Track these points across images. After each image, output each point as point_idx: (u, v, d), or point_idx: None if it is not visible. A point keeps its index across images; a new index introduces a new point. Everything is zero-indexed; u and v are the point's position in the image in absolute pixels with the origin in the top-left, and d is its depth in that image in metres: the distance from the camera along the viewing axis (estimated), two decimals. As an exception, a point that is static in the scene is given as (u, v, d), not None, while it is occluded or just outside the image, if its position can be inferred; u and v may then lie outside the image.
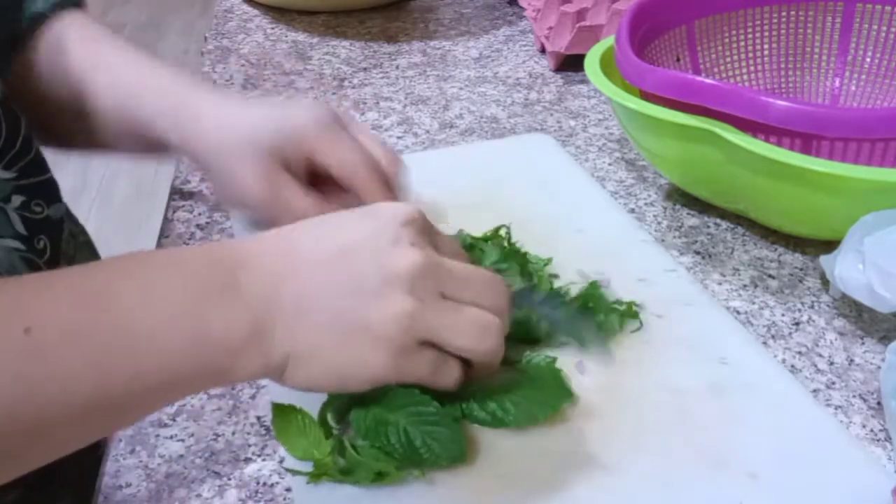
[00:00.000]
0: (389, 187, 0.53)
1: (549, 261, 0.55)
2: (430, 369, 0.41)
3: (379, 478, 0.41)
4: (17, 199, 0.53)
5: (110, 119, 0.56)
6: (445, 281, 0.40)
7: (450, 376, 0.41)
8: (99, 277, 0.38)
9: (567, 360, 0.48)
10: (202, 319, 0.37)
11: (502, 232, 0.56)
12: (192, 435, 0.45)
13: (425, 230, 0.42)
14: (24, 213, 0.53)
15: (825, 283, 0.57)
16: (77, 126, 0.57)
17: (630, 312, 0.51)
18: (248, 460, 0.44)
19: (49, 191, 0.57)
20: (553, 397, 0.44)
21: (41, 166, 0.56)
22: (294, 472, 0.42)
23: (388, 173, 0.53)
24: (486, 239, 0.55)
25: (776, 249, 0.60)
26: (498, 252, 0.53)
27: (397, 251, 0.40)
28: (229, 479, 0.43)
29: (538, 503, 0.41)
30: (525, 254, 0.54)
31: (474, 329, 0.41)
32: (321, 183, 0.53)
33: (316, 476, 0.41)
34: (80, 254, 0.61)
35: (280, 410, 0.43)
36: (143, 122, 0.54)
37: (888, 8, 0.69)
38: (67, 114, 0.57)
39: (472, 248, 0.54)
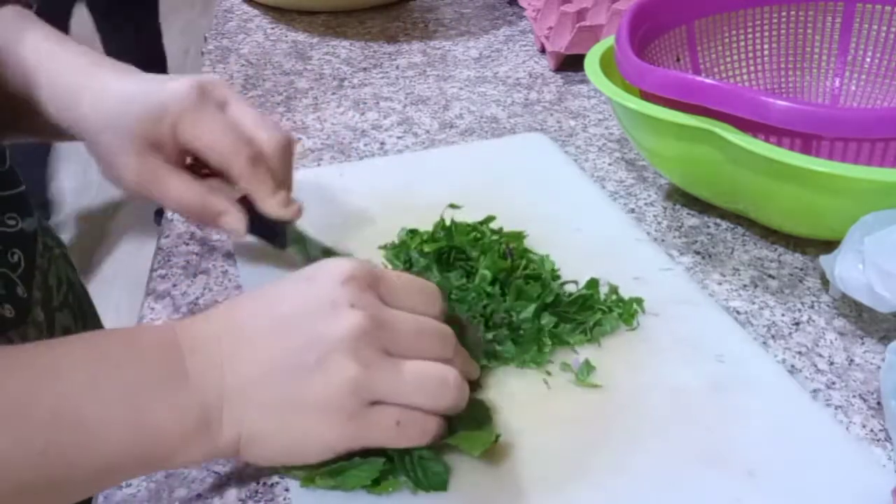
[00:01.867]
0: (272, 171, 0.50)
1: (547, 257, 0.55)
2: (393, 431, 0.39)
3: (373, 485, 0.41)
4: None
5: (20, 104, 0.54)
6: (390, 338, 0.39)
7: (418, 435, 0.40)
8: (46, 358, 0.37)
9: (565, 358, 0.48)
10: (147, 409, 0.36)
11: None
12: (192, 435, 0.45)
13: (367, 284, 0.40)
14: None
15: (825, 283, 0.57)
16: (24, 111, 0.55)
17: (629, 311, 0.51)
18: (247, 460, 0.44)
19: (22, 204, 0.55)
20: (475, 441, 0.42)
21: (13, 180, 0.55)
22: (287, 475, 0.42)
23: (272, 156, 0.50)
24: (487, 241, 0.56)
25: (776, 249, 0.60)
26: (492, 270, 0.52)
27: (335, 316, 0.38)
28: (229, 480, 0.43)
29: (537, 503, 0.41)
30: (527, 250, 0.54)
31: (429, 384, 0.39)
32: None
33: (308, 480, 0.41)
34: (55, 266, 0.60)
35: None
36: (41, 105, 0.52)
37: (888, 8, 0.69)
38: (14, 95, 0.54)
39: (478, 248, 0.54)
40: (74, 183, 2.48)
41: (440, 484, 0.41)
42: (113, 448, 0.36)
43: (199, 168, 0.52)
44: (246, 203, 0.52)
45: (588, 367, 0.47)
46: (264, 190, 0.50)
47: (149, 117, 0.48)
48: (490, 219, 0.57)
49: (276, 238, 0.54)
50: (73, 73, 0.52)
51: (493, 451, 0.43)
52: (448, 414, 0.41)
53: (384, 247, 0.57)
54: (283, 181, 0.51)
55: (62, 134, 0.54)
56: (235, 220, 0.51)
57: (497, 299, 0.50)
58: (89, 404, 0.35)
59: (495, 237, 0.56)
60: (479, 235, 0.56)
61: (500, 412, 0.45)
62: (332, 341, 0.38)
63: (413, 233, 0.57)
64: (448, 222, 0.57)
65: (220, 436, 0.38)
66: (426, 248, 0.54)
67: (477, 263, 0.53)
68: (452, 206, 0.57)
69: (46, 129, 0.55)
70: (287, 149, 0.51)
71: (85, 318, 0.65)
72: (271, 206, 0.51)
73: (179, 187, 0.50)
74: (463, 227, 0.56)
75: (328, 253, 0.54)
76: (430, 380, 0.40)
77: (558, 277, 0.53)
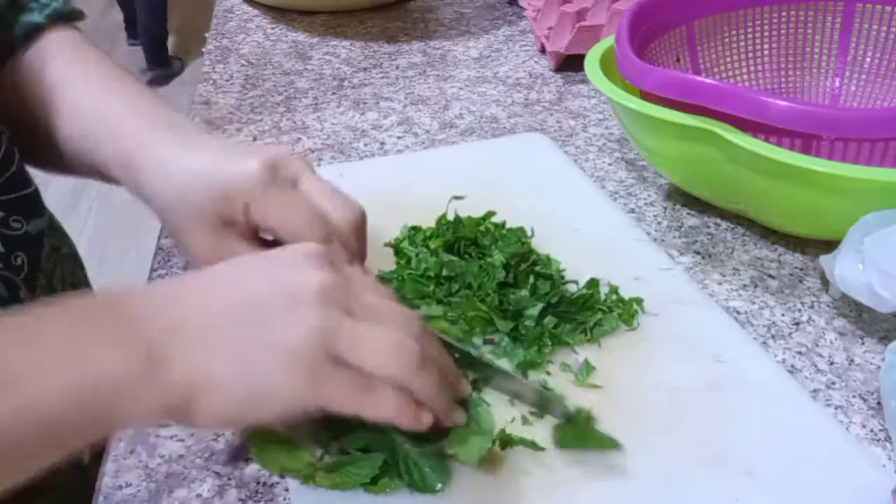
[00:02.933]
0: (345, 247, 0.48)
1: (548, 257, 0.55)
2: (353, 392, 0.38)
3: (371, 484, 0.41)
4: None
5: (74, 150, 0.53)
6: (356, 302, 0.39)
7: (382, 404, 0.38)
8: None
9: (565, 358, 0.48)
10: (84, 356, 0.34)
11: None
12: (192, 435, 0.45)
13: (333, 263, 0.40)
14: (2, 230, 0.51)
15: (825, 283, 0.57)
16: (43, 145, 0.54)
17: (629, 311, 0.51)
18: (248, 460, 0.44)
19: (30, 205, 0.54)
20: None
21: (23, 181, 0.54)
22: (288, 474, 0.42)
23: (342, 228, 0.48)
24: (494, 235, 0.56)
25: (776, 249, 0.60)
26: (507, 253, 0.53)
27: (304, 270, 0.38)
28: (229, 479, 0.43)
29: (535, 502, 0.41)
30: (532, 250, 0.54)
31: (391, 347, 0.38)
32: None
33: (308, 477, 0.41)
34: (62, 267, 0.59)
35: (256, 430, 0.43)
36: (99, 164, 0.51)
37: (888, 8, 0.69)
38: (35, 130, 0.54)
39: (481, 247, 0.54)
40: (74, 182, 2.48)
41: (432, 487, 0.40)
42: (52, 402, 0.33)
43: (274, 241, 0.50)
44: None
45: (588, 367, 0.47)
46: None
47: (220, 197, 0.46)
48: (491, 214, 0.57)
49: None
50: (133, 139, 0.50)
51: (492, 451, 0.43)
52: (410, 386, 0.39)
53: (389, 244, 0.57)
54: (356, 254, 0.50)
55: (103, 180, 0.54)
56: None
57: (507, 289, 0.50)
58: (23, 355, 0.34)
59: (504, 230, 0.56)
60: (486, 229, 0.56)
61: (502, 410, 0.45)
62: (299, 290, 0.37)
63: (415, 230, 0.57)
64: (451, 216, 0.57)
65: (170, 386, 0.35)
66: (432, 245, 0.55)
67: (488, 251, 0.53)
68: (457, 197, 0.57)
69: (68, 167, 0.55)
70: (360, 223, 0.50)
71: None
72: None
73: None
74: (470, 219, 0.57)
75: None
76: (393, 343, 0.38)
77: (562, 278, 0.53)
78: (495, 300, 0.50)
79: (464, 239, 0.54)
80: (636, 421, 0.45)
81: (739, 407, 0.46)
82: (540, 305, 0.49)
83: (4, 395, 0.33)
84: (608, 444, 0.43)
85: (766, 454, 0.43)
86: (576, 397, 0.46)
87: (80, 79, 0.53)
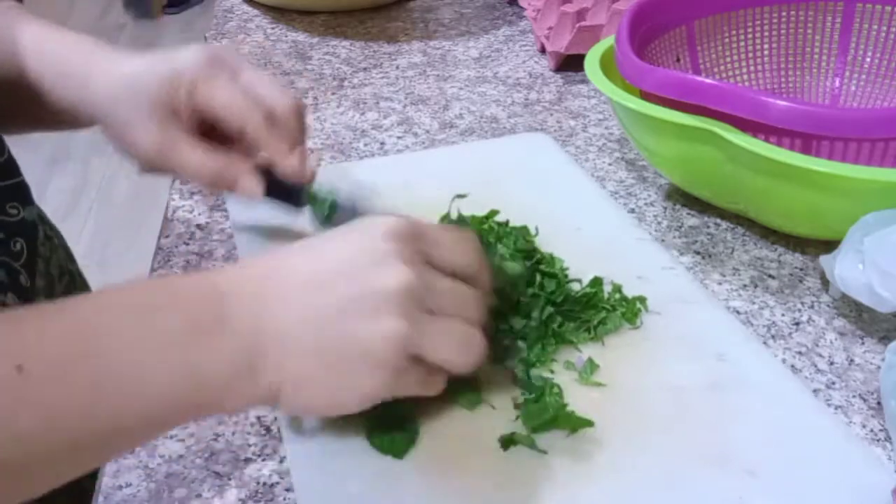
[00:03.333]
0: (286, 133, 0.51)
1: (551, 256, 0.55)
2: (420, 384, 0.41)
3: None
4: None
5: (35, 88, 0.54)
6: (432, 296, 0.40)
7: (436, 387, 0.42)
8: (90, 314, 0.37)
9: (569, 356, 0.48)
10: (190, 357, 0.36)
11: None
12: (192, 435, 0.45)
13: (412, 238, 0.41)
14: (0, 217, 0.52)
15: (825, 283, 0.57)
16: (20, 102, 0.55)
17: (633, 309, 0.51)
18: (248, 460, 0.44)
19: (22, 193, 0.56)
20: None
21: (13, 169, 0.55)
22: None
23: (286, 120, 0.51)
24: (498, 234, 0.56)
25: (776, 249, 0.60)
26: (512, 249, 0.53)
27: (384, 270, 0.39)
28: (229, 479, 0.43)
29: (538, 501, 0.41)
30: (536, 248, 0.54)
31: (460, 344, 0.41)
32: (225, 138, 0.51)
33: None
34: (56, 256, 0.60)
35: None
36: (43, 92, 0.53)
37: (888, 8, 0.69)
38: (11, 89, 0.55)
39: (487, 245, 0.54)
40: (74, 182, 2.48)
41: (398, 452, 0.43)
42: (158, 399, 0.36)
43: (213, 140, 0.53)
44: (262, 170, 0.52)
45: (591, 365, 0.47)
46: (280, 150, 0.51)
47: (165, 84, 0.49)
48: (494, 213, 0.57)
49: (292, 199, 0.54)
50: (79, 56, 0.53)
51: (494, 450, 0.43)
52: (461, 371, 0.42)
53: None
54: (297, 143, 0.52)
55: (63, 122, 0.55)
56: (252, 183, 0.52)
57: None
58: (134, 354, 0.35)
59: (508, 229, 0.56)
60: (489, 227, 0.56)
61: (504, 411, 0.45)
62: (382, 294, 0.39)
63: None
64: (454, 214, 0.57)
65: (262, 380, 0.38)
66: None
67: (493, 248, 0.53)
68: (459, 196, 0.57)
69: (47, 117, 0.56)
70: (300, 110, 0.52)
71: None
72: (287, 165, 0.51)
73: (198, 154, 0.50)
74: (474, 218, 0.57)
75: (339, 208, 0.53)
76: (461, 339, 0.41)
77: (566, 276, 0.53)
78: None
79: None
80: (639, 419, 0.45)
81: (742, 406, 0.46)
82: (550, 310, 0.49)
83: (118, 397, 0.35)
84: (579, 423, 0.43)
85: (768, 453, 0.43)
86: (579, 396, 0.46)
87: (47, 33, 0.55)
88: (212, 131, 0.51)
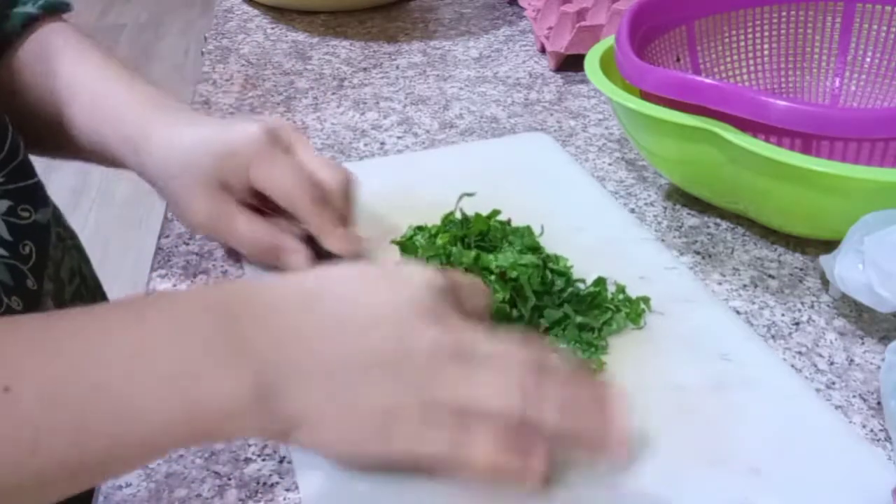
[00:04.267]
0: (334, 210, 0.52)
1: (556, 255, 0.55)
2: (450, 441, 0.37)
3: None
4: (3, 204, 0.52)
5: (83, 136, 0.55)
6: (469, 357, 0.37)
7: (486, 452, 0.37)
8: (85, 332, 0.35)
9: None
10: (194, 383, 0.34)
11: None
12: (192, 435, 0.45)
13: (450, 295, 0.39)
14: (10, 219, 0.52)
15: (825, 283, 0.57)
16: (53, 134, 0.57)
17: (636, 310, 0.51)
18: (248, 460, 0.44)
19: (36, 195, 0.56)
20: None
21: (28, 171, 0.55)
22: None
23: (335, 195, 0.52)
24: (504, 232, 0.56)
25: (776, 249, 0.60)
26: (518, 247, 0.53)
27: (420, 326, 0.37)
28: (229, 479, 0.43)
29: (541, 501, 0.41)
30: (541, 247, 0.55)
31: (501, 386, 0.37)
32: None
33: None
34: (69, 258, 0.60)
35: None
36: (107, 147, 0.54)
37: (888, 8, 0.69)
38: (45, 121, 0.56)
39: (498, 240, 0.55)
40: (74, 182, 2.48)
41: None
42: (157, 425, 0.34)
43: (263, 209, 0.54)
44: (310, 242, 0.53)
45: (597, 364, 0.47)
46: (328, 227, 0.52)
47: (222, 159, 0.50)
48: (496, 212, 0.57)
49: None
50: (133, 117, 0.53)
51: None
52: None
53: (396, 241, 0.57)
54: (345, 218, 0.53)
55: (101, 163, 0.57)
56: (301, 257, 0.53)
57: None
58: (131, 380, 0.33)
59: (512, 227, 0.56)
60: (494, 225, 0.56)
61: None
62: (411, 349, 0.36)
63: (420, 229, 0.58)
64: (459, 213, 0.57)
65: (276, 415, 0.36)
66: (438, 241, 0.55)
67: (499, 244, 0.53)
68: (467, 194, 0.57)
69: (82, 156, 0.57)
70: (349, 188, 0.53)
71: None
72: (333, 242, 0.52)
73: (249, 225, 0.52)
74: (479, 216, 0.57)
75: None
76: (506, 384, 0.37)
77: (572, 275, 0.53)
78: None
79: (473, 234, 0.55)
80: (643, 419, 0.45)
81: (746, 405, 0.46)
82: (561, 313, 0.50)
83: (111, 422, 0.33)
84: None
85: (773, 452, 0.43)
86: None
87: (89, 71, 0.56)
88: (268, 199, 0.52)
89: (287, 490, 0.42)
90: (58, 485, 0.33)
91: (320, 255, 0.54)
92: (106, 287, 0.70)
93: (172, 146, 0.51)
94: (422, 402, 0.36)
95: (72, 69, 0.56)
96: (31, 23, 0.56)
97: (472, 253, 0.51)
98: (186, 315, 0.36)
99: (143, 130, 0.53)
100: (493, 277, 0.49)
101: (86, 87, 0.55)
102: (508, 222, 0.57)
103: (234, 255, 0.58)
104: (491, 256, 0.51)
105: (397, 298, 0.38)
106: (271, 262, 0.54)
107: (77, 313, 0.37)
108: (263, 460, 0.44)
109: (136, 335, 0.35)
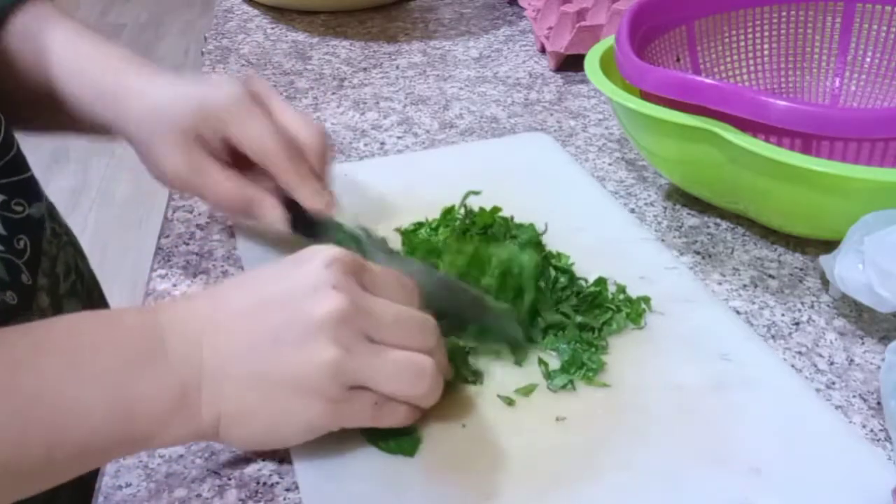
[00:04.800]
0: (309, 166, 0.52)
1: (558, 253, 0.55)
2: (371, 413, 0.40)
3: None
4: None
5: (69, 103, 0.56)
6: (371, 324, 0.40)
7: (394, 417, 0.41)
8: (25, 343, 0.37)
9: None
10: (126, 391, 0.37)
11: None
12: (192, 435, 0.45)
13: (352, 270, 0.41)
14: (4, 213, 0.53)
15: (825, 283, 0.57)
16: (43, 110, 0.57)
17: (637, 310, 0.51)
18: (248, 460, 0.44)
19: (29, 189, 0.56)
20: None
21: (22, 165, 0.56)
22: None
23: (310, 153, 0.53)
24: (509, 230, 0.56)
25: (776, 249, 0.60)
26: (521, 241, 0.54)
27: (317, 297, 0.39)
28: (229, 479, 0.43)
29: (543, 500, 0.41)
30: (543, 245, 0.55)
31: (406, 373, 0.40)
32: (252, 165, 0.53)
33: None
34: (64, 254, 0.60)
35: None
36: (71, 102, 0.54)
37: (888, 8, 0.69)
38: (34, 98, 0.56)
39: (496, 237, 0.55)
40: (74, 182, 2.48)
41: (410, 450, 0.42)
42: (93, 429, 0.36)
43: (242, 163, 0.54)
44: (284, 199, 0.54)
45: (598, 362, 0.48)
46: (301, 182, 0.52)
47: (200, 114, 0.51)
48: (497, 209, 0.57)
49: (312, 229, 0.55)
50: (111, 73, 0.54)
51: (498, 449, 0.43)
52: (420, 404, 0.42)
53: (399, 230, 0.58)
54: (319, 175, 0.54)
55: (89, 132, 0.57)
56: (276, 213, 0.53)
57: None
58: (68, 387, 0.36)
59: (516, 223, 0.57)
60: (499, 220, 0.56)
61: (508, 410, 0.45)
62: (312, 322, 0.38)
63: (420, 225, 0.58)
64: (463, 210, 0.57)
65: (199, 415, 0.38)
66: (440, 235, 0.55)
67: (503, 239, 0.54)
68: (473, 192, 0.57)
69: (74, 126, 0.57)
70: (323, 145, 0.54)
71: (94, 307, 0.65)
72: (306, 195, 0.53)
73: (223, 179, 0.52)
74: (483, 210, 0.57)
75: (359, 240, 0.54)
76: (408, 369, 0.40)
77: (574, 274, 0.53)
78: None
79: (478, 227, 0.55)
80: (644, 419, 0.45)
81: (746, 405, 0.46)
82: (559, 317, 0.50)
83: (50, 427, 0.35)
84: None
85: (773, 451, 0.43)
86: (584, 395, 0.46)
87: (76, 42, 0.56)
88: (241, 155, 0.53)
89: (287, 490, 0.42)
90: (6, 490, 0.35)
91: (294, 213, 0.54)
92: (105, 287, 0.70)
93: (150, 100, 0.52)
94: (328, 377, 0.38)
95: (64, 41, 0.56)
96: (12, 7, 0.56)
97: (474, 240, 0.51)
98: (118, 334, 0.39)
99: (119, 84, 0.53)
100: (493, 273, 0.49)
101: (75, 58, 0.55)
102: (511, 219, 0.57)
103: (216, 218, 0.59)
104: (491, 249, 0.51)
105: (294, 276, 0.40)
106: (245, 215, 0.54)
107: (23, 327, 0.38)
108: (263, 460, 0.44)
109: (72, 350, 0.37)
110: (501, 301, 0.49)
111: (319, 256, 0.41)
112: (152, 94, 0.52)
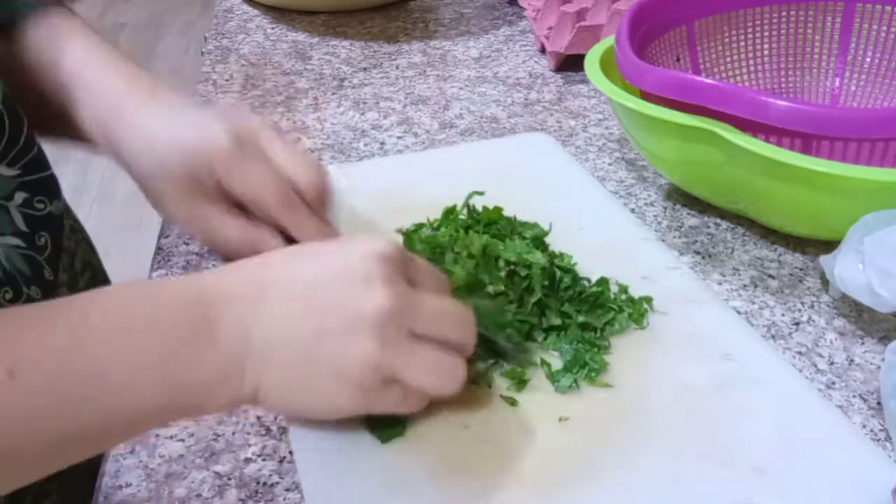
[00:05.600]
0: (307, 206, 0.52)
1: (560, 253, 0.55)
2: (396, 403, 0.42)
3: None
4: (19, 196, 0.53)
5: (58, 113, 0.56)
6: (414, 319, 0.41)
7: (415, 406, 0.43)
8: (80, 320, 0.38)
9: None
10: (176, 366, 0.38)
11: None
12: (192, 435, 0.45)
13: (401, 264, 0.42)
14: (26, 210, 0.53)
15: (825, 283, 0.57)
16: (54, 118, 0.57)
17: (639, 310, 0.51)
18: (248, 460, 0.44)
19: (51, 187, 0.57)
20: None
21: (43, 163, 0.56)
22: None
23: (308, 193, 0.52)
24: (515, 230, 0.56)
25: (776, 249, 0.60)
26: (528, 238, 0.54)
27: (367, 291, 0.40)
28: (229, 479, 0.43)
29: (545, 501, 0.41)
30: (546, 244, 0.55)
31: (438, 371, 0.41)
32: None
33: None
34: (80, 250, 0.61)
35: None
36: (91, 130, 0.55)
37: (888, 8, 0.69)
38: (47, 105, 0.56)
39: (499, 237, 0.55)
40: (74, 181, 2.48)
41: (398, 434, 0.44)
42: (143, 403, 0.38)
43: (244, 206, 0.54)
44: (287, 235, 0.53)
45: (600, 362, 0.48)
46: (301, 225, 0.52)
47: (193, 164, 0.51)
48: (499, 210, 0.57)
49: None
50: (114, 104, 0.54)
51: (501, 449, 0.43)
52: (443, 397, 0.43)
53: (401, 230, 0.58)
54: (319, 213, 0.53)
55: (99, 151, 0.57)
56: (278, 248, 0.53)
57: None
58: (119, 369, 0.37)
59: (520, 222, 0.57)
60: (505, 218, 0.56)
61: (511, 410, 0.46)
62: (361, 316, 0.40)
63: (421, 226, 0.58)
64: (464, 210, 0.57)
65: (241, 387, 0.40)
66: (442, 233, 0.55)
67: (510, 236, 0.54)
68: (476, 193, 0.57)
69: (83, 140, 0.57)
70: (321, 184, 0.53)
71: None
72: (307, 237, 0.53)
73: (224, 225, 0.52)
74: (486, 210, 0.57)
75: None
76: (443, 369, 0.42)
77: (578, 273, 0.54)
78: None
79: (483, 223, 0.55)
80: (646, 419, 0.45)
81: (749, 405, 0.46)
82: (560, 320, 0.50)
83: (105, 402, 0.37)
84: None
85: (776, 451, 0.43)
86: (586, 395, 0.46)
87: (89, 72, 0.56)
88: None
89: (287, 490, 0.42)
90: (51, 459, 0.37)
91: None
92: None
93: (145, 145, 0.52)
94: (368, 371, 0.40)
95: (78, 57, 0.56)
96: (36, 11, 0.56)
97: (483, 238, 0.51)
98: (165, 311, 0.40)
99: (117, 113, 0.53)
100: (500, 272, 0.50)
101: (84, 76, 0.55)
102: (514, 217, 0.57)
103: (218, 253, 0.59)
104: (501, 245, 0.51)
105: (345, 266, 0.41)
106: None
107: (76, 301, 0.40)
108: (263, 460, 0.44)
109: (125, 327, 0.38)
110: (507, 298, 0.49)
111: (370, 247, 0.42)
112: (146, 141, 0.52)
